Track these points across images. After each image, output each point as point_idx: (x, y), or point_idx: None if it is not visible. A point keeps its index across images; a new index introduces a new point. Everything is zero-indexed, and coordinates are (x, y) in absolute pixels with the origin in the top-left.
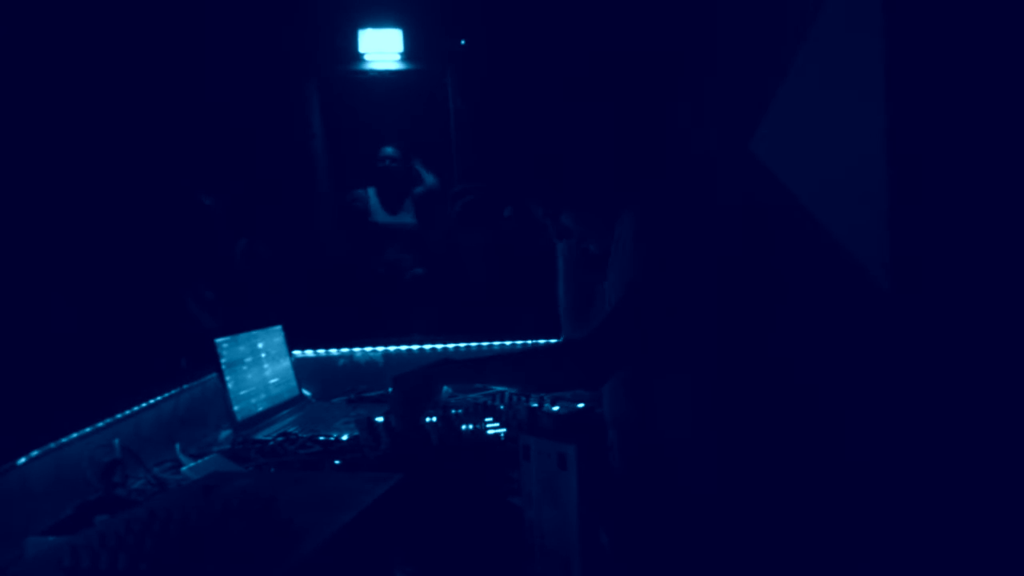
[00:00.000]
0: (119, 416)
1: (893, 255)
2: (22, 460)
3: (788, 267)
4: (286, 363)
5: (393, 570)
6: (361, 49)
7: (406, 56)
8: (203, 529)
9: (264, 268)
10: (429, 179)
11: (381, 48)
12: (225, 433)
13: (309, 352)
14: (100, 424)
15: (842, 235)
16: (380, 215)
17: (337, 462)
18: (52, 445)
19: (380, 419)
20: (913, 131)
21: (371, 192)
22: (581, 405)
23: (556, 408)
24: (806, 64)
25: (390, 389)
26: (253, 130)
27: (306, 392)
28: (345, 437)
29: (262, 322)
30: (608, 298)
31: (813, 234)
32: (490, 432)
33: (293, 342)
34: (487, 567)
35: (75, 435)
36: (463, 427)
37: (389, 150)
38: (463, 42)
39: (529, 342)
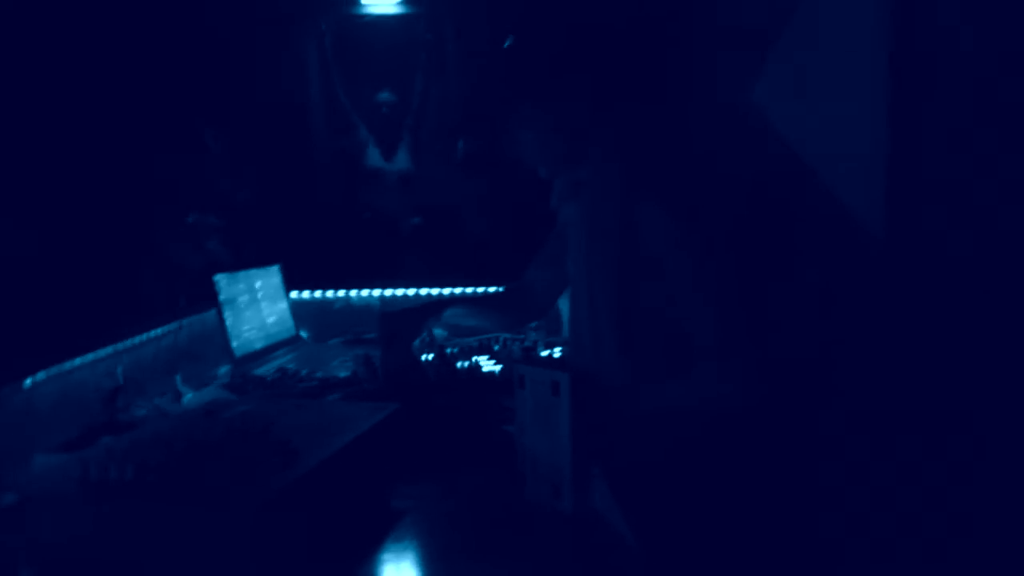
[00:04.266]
0: (121, 347)
1: (888, 206)
2: (28, 382)
3: (786, 221)
4: (283, 303)
5: (389, 493)
6: None
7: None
8: (206, 446)
9: (266, 209)
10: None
11: None
12: (224, 368)
13: (306, 294)
14: (103, 353)
15: (838, 186)
16: (375, 160)
17: (335, 396)
18: (56, 370)
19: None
20: (914, 84)
21: (366, 136)
22: None
23: (548, 352)
24: (808, 15)
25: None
26: (249, 71)
27: (303, 333)
28: (342, 374)
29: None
30: (574, 244)
31: (811, 186)
32: (485, 370)
33: (291, 283)
34: (481, 491)
35: (79, 361)
36: (459, 364)
37: (385, 95)
38: None
39: None
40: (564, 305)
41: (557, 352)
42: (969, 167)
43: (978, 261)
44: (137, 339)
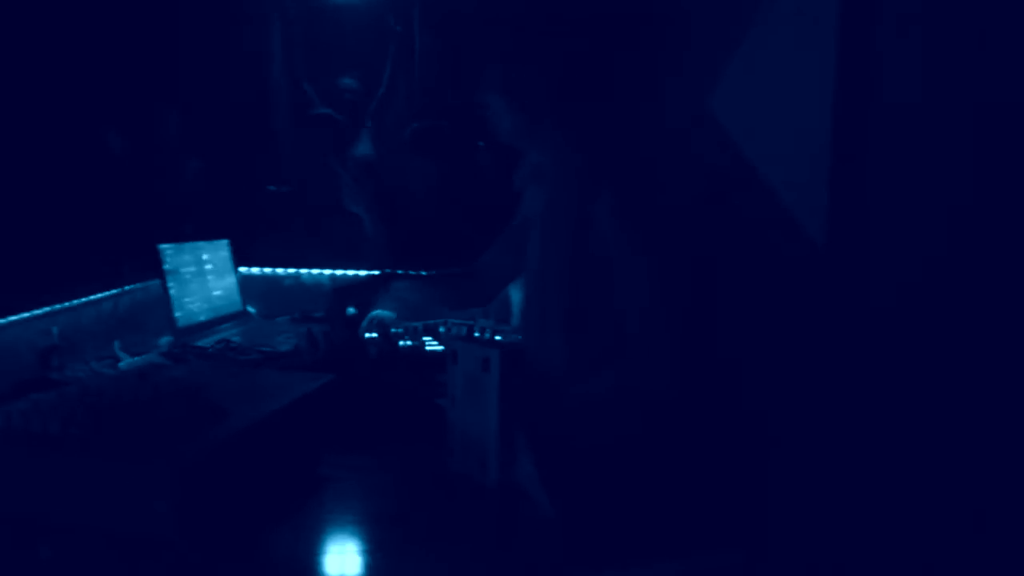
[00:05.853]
0: (58, 307)
1: (830, 214)
2: None
3: (731, 224)
4: (231, 278)
5: (319, 459)
6: None
7: None
8: (134, 405)
9: (216, 188)
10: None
11: None
12: (165, 339)
13: (256, 270)
14: (39, 311)
15: (783, 193)
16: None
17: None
18: None
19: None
20: (858, 91)
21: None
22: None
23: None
24: (764, 24)
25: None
26: (210, 51)
27: (251, 309)
28: (285, 349)
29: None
30: (533, 233)
31: (757, 193)
32: (428, 349)
33: (240, 259)
34: (409, 462)
35: (13, 318)
36: (401, 343)
37: (347, 81)
38: None
39: None
40: (516, 295)
41: (498, 338)
42: (915, 174)
43: (921, 270)
44: (75, 301)
